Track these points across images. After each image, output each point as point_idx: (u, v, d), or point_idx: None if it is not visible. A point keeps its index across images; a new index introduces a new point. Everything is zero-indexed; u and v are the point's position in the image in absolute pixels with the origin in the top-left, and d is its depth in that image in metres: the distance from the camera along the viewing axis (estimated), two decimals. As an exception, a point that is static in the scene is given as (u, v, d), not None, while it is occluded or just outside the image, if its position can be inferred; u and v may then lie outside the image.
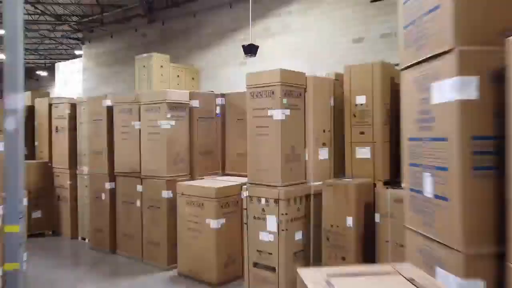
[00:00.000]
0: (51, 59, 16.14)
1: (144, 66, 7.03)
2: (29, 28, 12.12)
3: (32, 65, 19.80)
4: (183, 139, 5.12)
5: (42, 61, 18.71)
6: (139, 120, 5.24)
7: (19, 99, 3.09)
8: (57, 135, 6.75)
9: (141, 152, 5.23)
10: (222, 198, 4.36)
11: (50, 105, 6.88)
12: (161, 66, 7.01)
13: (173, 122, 4.99)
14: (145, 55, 7.16)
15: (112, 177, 5.63)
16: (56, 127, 6.75)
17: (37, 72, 21.01)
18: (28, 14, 10.35)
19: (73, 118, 6.53)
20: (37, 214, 6.76)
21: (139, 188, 5.26)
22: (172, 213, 4.81)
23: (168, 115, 4.94)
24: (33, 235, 6.63)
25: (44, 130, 6.98)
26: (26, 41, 14.95)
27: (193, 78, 8.48)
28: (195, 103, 5.23)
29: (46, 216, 6.81)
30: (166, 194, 4.93)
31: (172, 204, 4.84)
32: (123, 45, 10.23)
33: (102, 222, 5.73)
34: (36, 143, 7.19)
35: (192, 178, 5.14)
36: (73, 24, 11.15)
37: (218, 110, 5.45)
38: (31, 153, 7.27)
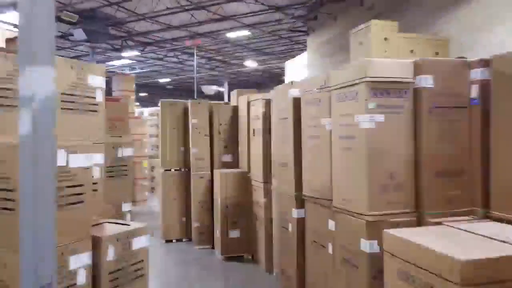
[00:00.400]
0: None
1: (360, 42, 4.96)
2: (262, 29, 11.97)
3: (278, 70, 20.54)
4: (400, 147, 2.81)
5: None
6: (330, 116, 3.25)
7: (38, 78, 1.65)
8: (253, 140, 5.50)
9: (332, 167, 3.22)
10: (481, 286, 1.88)
11: (248, 103, 5.73)
12: (385, 39, 4.75)
13: (380, 117, 2.76)
14: (361, 26, 5.04)
15: (300, 201, 3.84)
16: (253, 130, 5.51)
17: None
18: (261, 11, 9.87)
19: (268, 118, 5.12)
20: (235, 234, 5.72)
21: (331, 225, 3.27)
22: (379, 280, 2.61)
23: (371, 105, 2.75)
24: (231, 258, 5.66)
25: (243, 133, 5.89)
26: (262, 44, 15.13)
27: (437, 53, 5.71)
28: (425, 80, 2.83)
29: (245, 236, 5.68)
30: (367, 245, 2.75)
31: (379, 265, 2.64)
32: (349, 26, 8.38)
33: (289, 264, 4.02)
34: (240, 149, 6.20)
35: (419, 220, 2.77)
36: (296, 15, 10.15)
37: (474, 93, 2.87)
38: (236, 161, 6.36)
